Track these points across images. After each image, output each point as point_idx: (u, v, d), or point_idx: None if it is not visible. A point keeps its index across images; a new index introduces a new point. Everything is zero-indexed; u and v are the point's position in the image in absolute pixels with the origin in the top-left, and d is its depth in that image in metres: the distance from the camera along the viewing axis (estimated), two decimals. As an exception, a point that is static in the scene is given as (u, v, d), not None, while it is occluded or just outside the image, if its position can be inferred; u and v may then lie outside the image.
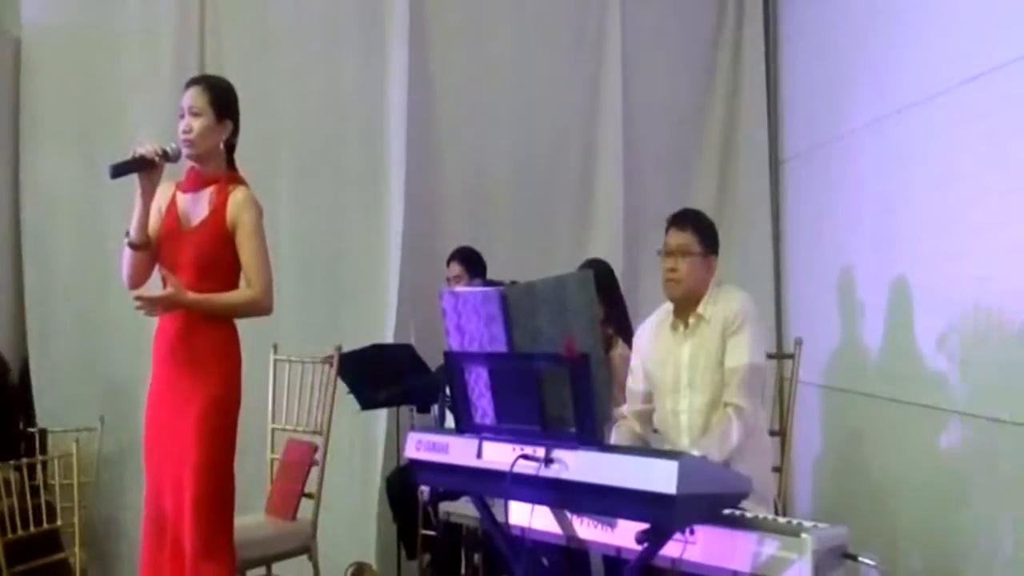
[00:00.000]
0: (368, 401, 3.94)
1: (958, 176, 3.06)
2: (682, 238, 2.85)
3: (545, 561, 2.51)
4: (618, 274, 4.05)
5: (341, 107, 4.42)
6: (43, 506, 3.33)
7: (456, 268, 4.07)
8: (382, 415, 4.20)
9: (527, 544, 2.31)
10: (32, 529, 3.28)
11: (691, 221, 2.88)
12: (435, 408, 3.79)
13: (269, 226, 4.10)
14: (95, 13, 4.26)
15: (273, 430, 3.74)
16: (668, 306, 2.96)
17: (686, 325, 2.85)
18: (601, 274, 3.32)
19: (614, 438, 2.95)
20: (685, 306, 2.86)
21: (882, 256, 3.55)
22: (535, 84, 4.60)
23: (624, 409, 3.02)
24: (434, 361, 3.98)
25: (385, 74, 4.41)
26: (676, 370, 2.85)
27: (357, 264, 4.40)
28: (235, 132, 2.91)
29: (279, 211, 4.28)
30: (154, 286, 2.84)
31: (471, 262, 4.07)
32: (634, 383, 3.01)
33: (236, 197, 2.85)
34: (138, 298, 2.71)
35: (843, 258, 3.88)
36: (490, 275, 4.02)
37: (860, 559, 2.00)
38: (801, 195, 4.45)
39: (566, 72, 4.63)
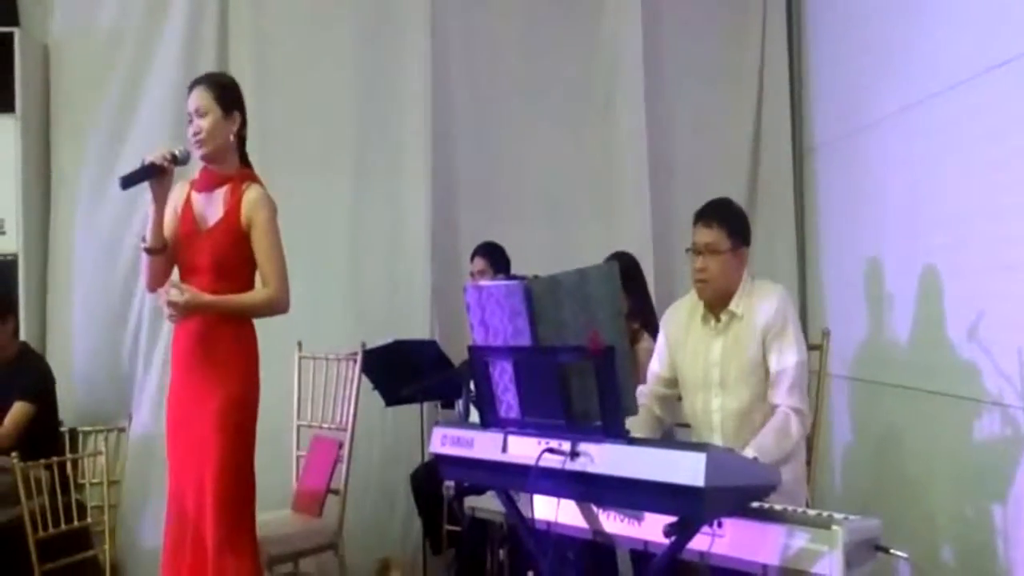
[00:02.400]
0: (393, 397, 3.94)
1: (986, 164, 3.02)
2: (709, 235, 2.71)
3: (571, 555, 2.50)
4: (647, 268, 4.02)
5: (363, 106, 4.41)
6: (73, 504, 3.37)
7: (480, 263, 4.06)
8: (407, 411, 4.20)
9: (553, 539, 2.30)
10: (63, 527, 3.32)
11: (718, 216, 2.73)
12: (460, 403, 3.78)
13: (293, 224, 4.14)
14: (123, 18, 4.28)
15: (299, 427, 3.75)
16: None
17: (718, 319, 2.76)
18: (626, 267, 3.29)
19: (631, 421, 2.90)
20: (717, 302, 2.77)
21: (909, 245, 3.50)
22: (558, 79, 4.57)
23: (643, 389, 2.92)
24: (458, 356, 3.98)
25: (406, 71, 4.41)
26: (706, 366, 2.76)
27: (382, 261, 4.40)
28: (244, 124, 2.90)
29: (302, 210, 4.27)
30: None
31: (495, 257, 4.05)
32: (659, 366, 2.91)
33: (249, 196, 2.85)
34: (168, 303, 2.72)
35: (870, 248, 3.83)
36: (514, 271, 4.00)
37: (892, 551, 1.97)
38: (827, 185, 4.41)
39: (588, 67, 4.61)
